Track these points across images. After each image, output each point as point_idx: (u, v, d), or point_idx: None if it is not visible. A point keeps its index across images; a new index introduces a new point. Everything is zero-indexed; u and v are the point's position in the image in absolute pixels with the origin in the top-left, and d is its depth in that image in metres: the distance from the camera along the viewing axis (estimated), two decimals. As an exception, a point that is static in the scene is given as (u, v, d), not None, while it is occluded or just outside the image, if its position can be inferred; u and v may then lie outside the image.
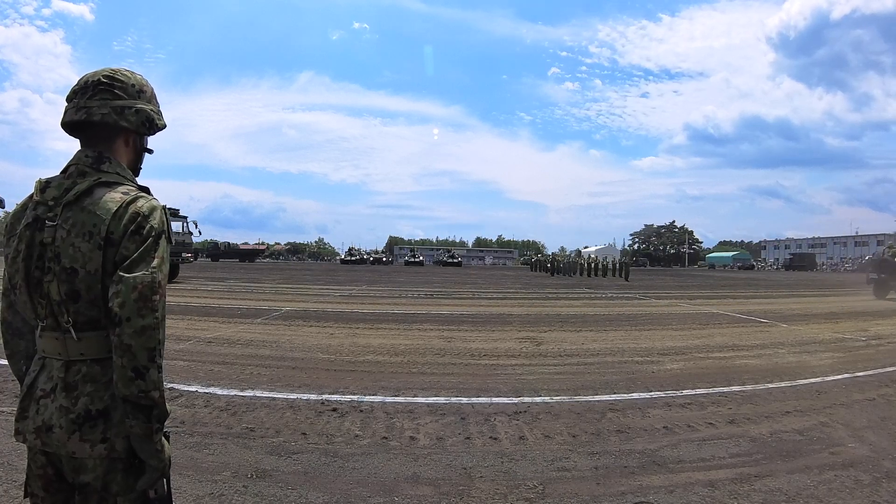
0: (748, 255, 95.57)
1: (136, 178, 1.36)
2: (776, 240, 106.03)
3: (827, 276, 45.48)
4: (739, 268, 72.61)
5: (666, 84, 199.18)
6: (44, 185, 1.22)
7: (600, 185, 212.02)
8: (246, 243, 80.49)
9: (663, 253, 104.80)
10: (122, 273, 1.13)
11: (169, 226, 1.26)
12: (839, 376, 5.44)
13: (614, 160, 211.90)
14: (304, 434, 3.48)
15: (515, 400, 4.40)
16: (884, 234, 79.84)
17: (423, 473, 2.94)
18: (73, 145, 1.30)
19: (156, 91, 1.37)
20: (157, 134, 1.38)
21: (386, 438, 3.45)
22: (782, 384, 5.09)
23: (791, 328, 9.30)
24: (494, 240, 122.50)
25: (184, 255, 20.58)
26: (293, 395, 4.36)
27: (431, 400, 4.36)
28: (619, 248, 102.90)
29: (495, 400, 4.39)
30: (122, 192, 1.22)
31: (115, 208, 1.18)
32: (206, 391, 4.40)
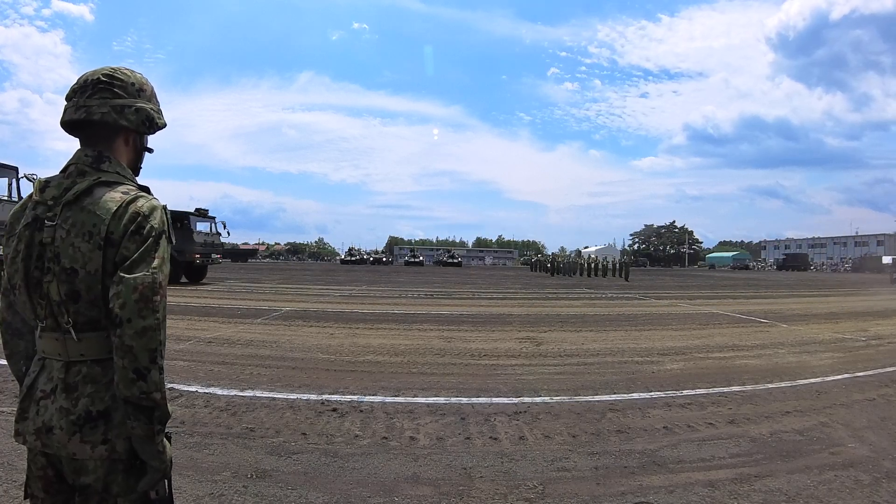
0: (748, 255, 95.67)
1: (137, 178, 1.35)
2: (776, 240, 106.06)
3: (827, 277, 45.50)
4: (734, 268, 74.33)
5: (665, 84, 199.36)
6: (43, 185, 1.21)
7: (600, 185, 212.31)
8: (246, 243, 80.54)
9: (663, 253, 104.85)
10: (122, 274, 1.12)
11: (169, 226, 1.25)
12: (839, 376, 5.44)
13: (614, 160, 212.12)
14: (304, 434, 3.47)
15: (515, 400, 4.40)
16: (884, 235, 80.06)
17: (423, 473, 2.94)
18: (73, 145, 1.30)
19: (156, 91, 1.37)
20: (157, 133, 1.37)
21: (386, 438, 3.45)
22: (782, 384, 5.08)
23: (791, 328, 9.30)
24: (494, 240, 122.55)
25: (213, 255, 20.30)
26: (293, 396, 4.36)
27: (431, 400, 4.36)
28: (619, 248, 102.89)
29: (495, 400, 4.39)
30: (122, 192, 1.21)
31: (115, 208, 1.17)
32: (206, 391, 4.40)
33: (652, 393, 4.70)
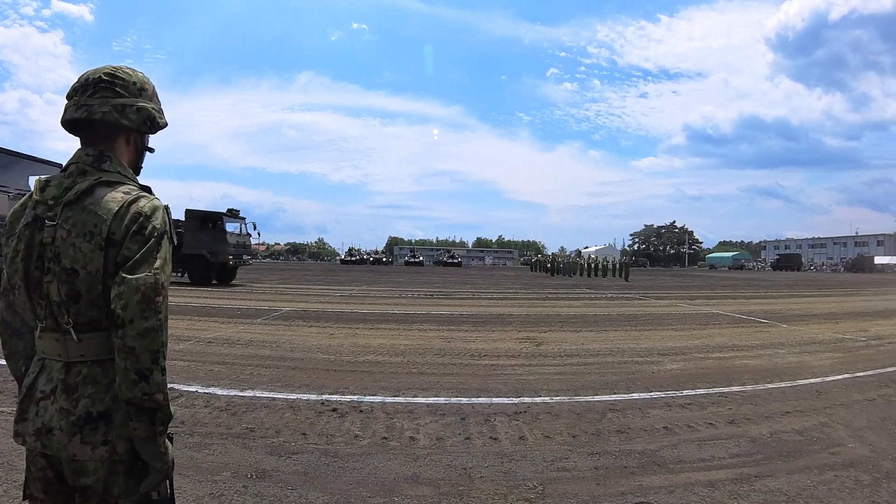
0: (748, 256, 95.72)
1: (138, 178, 1.35)
2: (776, 240, 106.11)
3: (822, 276, 45.48)
4: (730, 268, 76.26)
5: (665, 84, 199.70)
6: (43, 184, 1.21)
7: (600, 185, 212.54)
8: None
9: (663, 253, 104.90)
10: (124, 274, 1.12)
11: (171, 226, 1.24)
12: (839, 376, 5.44)
13: (614, 160, 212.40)
14: (304, 434, 3.47)
15: (515, 400, 4.40)
16: (884, 235, 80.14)
17: (423, 474, 2.94)
18: (73, 145, 1.29)
19: (156, 91, 1.36)
20: (158, 133, 1.37)
21: (386, 439, 3.45)
22: (782, 384, 5.08)
23: (791, 328, 9.30)
24: (494, 240, 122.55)
25: (244, 257, 19.98)
26: (293, 396, 4.36)
27: (431, 400, 4.35)
28: (619, 248, 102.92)
29: (495, 400, 4.39)
30: (124, 192, 1.21)
31: (117, 208, 1.17)
32: (206, 391, 4.40)
33: (652, 393, 4.70)
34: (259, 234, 21.29)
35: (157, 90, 1.36)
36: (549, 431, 3.65)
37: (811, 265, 78.19)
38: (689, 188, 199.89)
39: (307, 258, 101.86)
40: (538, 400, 4.42)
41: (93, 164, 1.23)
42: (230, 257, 18.16)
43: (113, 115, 1.23)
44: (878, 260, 67.32)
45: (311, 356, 6.05)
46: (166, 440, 1.18)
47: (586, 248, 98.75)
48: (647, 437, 3.58)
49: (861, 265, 64.10)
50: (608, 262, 37.56)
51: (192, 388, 4.46)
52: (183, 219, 18.20)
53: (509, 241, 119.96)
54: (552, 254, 54.17)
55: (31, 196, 1.23)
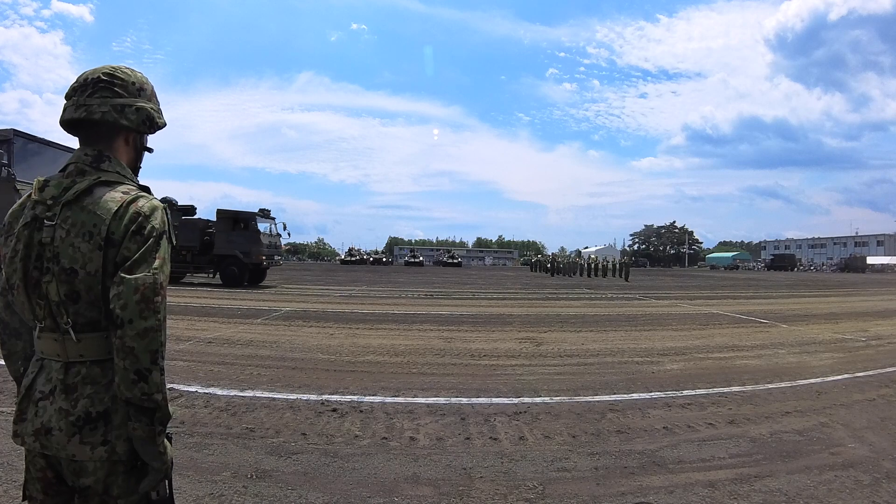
0: (748, 256, 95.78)
1: (137, 178, 1.34)
2: (776, 240, 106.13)
3: (824, 277, 45.46)
4: (726, 268, 78.16)
5: (664, 85, 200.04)
6: (42, 184, 1.20)
7: (599, 185, 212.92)
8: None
9: (663, 253, 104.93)
10: (123, 274, 1.12)
11: (170, 226, 1.24)
12: (839, 377, 5.44)
13: (613, 160, 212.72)
14: (304, 434, 3.47)
15: (515, 400, 4.40)
16: (884, 235, 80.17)
17: (423, 474, 2.93)
18: (72, 145, 1.29)
19: (155, 91, 1.36)
20: (157, 133, 1.37)
21: (386, 439, 3.45)
22: (782, 384, 5.08)
23: (791, 328, 9.30)
24: (494, 240, 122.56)
25: (276, 257, 19.66)
26: (293, 396, 4.36)
27: (431, 400, 4.35)
28: (619, 248, 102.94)
29: (495, 400, 4.38)
30: (123, 192, 1.20)
31: (116, 208, 1.17)
32: (206, 391, 4.40)
33: (652, 393, 4.70)
34: (289, 234, 20.96)
35: (155, 90, 1.35)
36: (549, 431, 3.65)
37: (804, 265, 79.84)
38: (688, 188, 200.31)
39: (307, 258, 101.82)
40: (538, 400, 4.42)
41: (92, 163, 1.23)
42: (263, 258, 17.89)
43: (112, 115, 1.23)
44: (871, 260, 67.88)
45: (311, 356, 6.05)
46: (165, 440, 1.18)
47: (586, 248, 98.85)
48: (647, 437, 3.58)
49: (853, 265, 64.73)
50: (608, 262, 37.55)
51: (192, 388, 4.46)
52: (214, 219, 17.94)
53: (509, 241, 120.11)
54: (552, 254, 54.09)
55: (29, 196, 1.22)
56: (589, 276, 34.79)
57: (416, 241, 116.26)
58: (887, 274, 53.24)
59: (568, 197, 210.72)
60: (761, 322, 10.14)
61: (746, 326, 9.51)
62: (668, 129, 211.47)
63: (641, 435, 3.61)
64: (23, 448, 1.22)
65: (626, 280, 29.52)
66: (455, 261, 65.18)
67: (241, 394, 4.37)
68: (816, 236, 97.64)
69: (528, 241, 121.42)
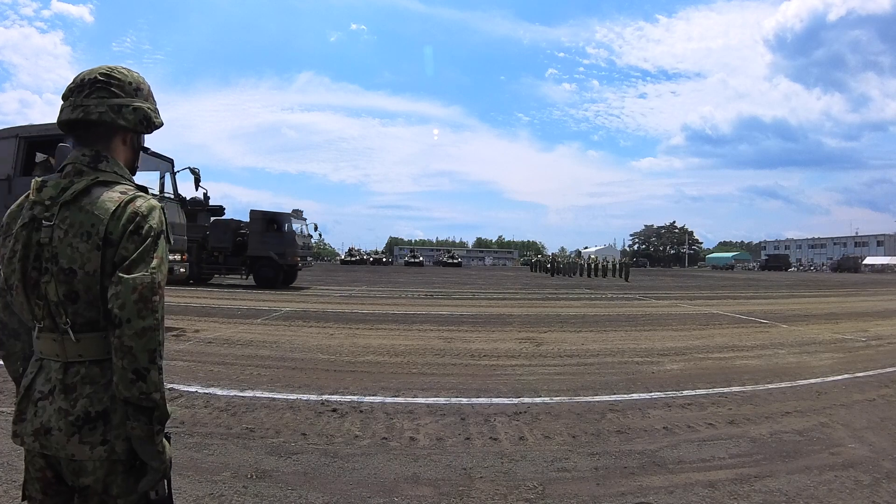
0: (748, 256, 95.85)
1: (134, 177, 1.35)
2: (776, 240, 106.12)
3: (819, 277, 45.45)
4: (721, 268, 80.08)
5: (664, 85, 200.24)
6: (40, 185, 1.20)
7: (599, 185, 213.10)
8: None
9: (663, 253, 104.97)
10: (121, 274, 1.12)
11: (168, 225, 1.24)
12: (839, 377, 5.44)
13: (613, 161, 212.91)
14: (304, 434, 3.47)
15: (515, 400, 4.40)
16: (884, 235, 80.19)
17: (423, 474, 2.93)
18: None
19: (155, 92, 1.36)
20: (157, 133, 1.37)
21: (386, 439, 3.45)
22: (782, 385, 5.08)
23: (791, 329, 9.30)
24: (494, 240, 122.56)
25: (308, 258, 19.41)
26: (293, 396, 4.36)
27: (431, 400, 4.35)
28: (619, 248, 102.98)
29: (495, 400, 4.38)
30: (121, 192, 1.20)
31: (114, 208, 1.17)
32: (206, 391, 4.40)
33: (652, 393, 4.69)
34: (320, 234, 20.84)
35: (154, 92, 1.35)
36: (549, 432, 3.65)
37: (803, 265, 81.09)
38: (688, 188, 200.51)
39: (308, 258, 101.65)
40: (538, 400, 4.42)
41: (89, 164, 1.23)
42: (298, 259, 17.75)
43: (109, 115, 1.23)
44: (870, 260, 68.31)
45: (311, 356, 6.05)
46: (164, 439, 1.18)
47: (586, 248, 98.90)
48: (647, 437, 3.58)
49: (846, 265, 65.21)
50: (608, 262, 37.55)
51: (192, 389, 4.46)
52: (247, 220, 17.78)
53: (509, 241, 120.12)
54: (552, 254, 54.11)
55: (27, 196, 1.23)
56: (589, 276, 34.78)
57: (416, 241, 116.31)
58: (887, 274, 53.35)
59: (568, 197, 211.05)
60: (761, 322, 10.14)
61: (746, 326, 9.51)
62: (667, 130, 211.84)
63: (641, 435, 3.61)
64: (22, 448, 1.22)
65: (626, 280, 29.52)
66: (455, 261, 65.18)
67: (241, 394, 4.37)
68: (816, 236, 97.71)
69: (528, 241, 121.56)
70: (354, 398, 4.35)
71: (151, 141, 1.40)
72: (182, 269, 8.02)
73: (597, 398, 4.51)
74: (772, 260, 76.08)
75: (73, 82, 1.25)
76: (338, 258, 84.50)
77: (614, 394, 4.66)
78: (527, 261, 74.10)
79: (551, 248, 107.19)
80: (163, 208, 1.24)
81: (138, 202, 1.20)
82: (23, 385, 1.23)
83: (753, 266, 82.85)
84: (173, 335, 7.03)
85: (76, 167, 1.23)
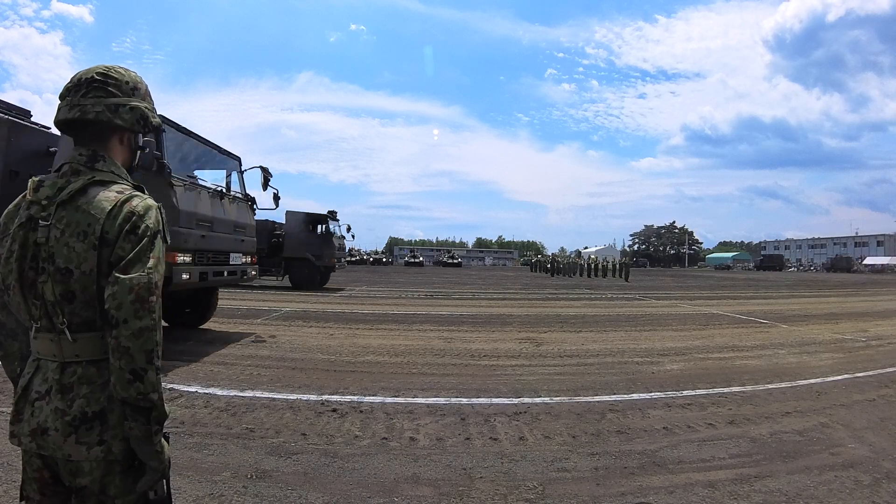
0: (748, 256, 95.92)
1: (131, 177, 1.34)
2: (776, 240, 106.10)
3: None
4: (717, 268, 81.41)
5: (663, 85, 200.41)
6: (37, 184, 1.20)
7: (599, 185, 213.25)
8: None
9: (663, 253, 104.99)
10: (117, 274, 1.12)
11: (165, 225, 1.24)
12: (839, 377, 5.43)
13: (613, 161, 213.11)
14: (304, 434, 3.47)
15: (515, 400, 4.39)
16: (884, 235, 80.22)
17: (423, 474, 2.93)
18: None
19: (155, 92, 1.36)
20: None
21: (386, 439, 3.44)
22: (782, 385, 5.08)
23: (791, 329, 9.30)
24: (494, 240, 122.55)
25: (342, 260, 19.17)
26: (293, 396, 4.36)
27: (431, 400, 4.35)
28: (619, 248, 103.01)
29: (495, 400, 4.38)
30: (117, 192, 1.20)
31: (110, 207, 1.17)
32: (206, 392, 4.40)
33: (652, 393, 4.69)
34: (353, 236, 20.69)
35: (153, 92, 1.35)
36: (549, 432, 3.65)
37: (803, 265, 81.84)
38: (688, 188, 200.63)
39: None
40: (538, 400, 4.41)
41: (86, 163, 1.23)
42: (336, 261, 17.65)
43: (106, 114, 1.23)
44: (869, 260, 68.59)
45: (311, 356, 6.05)
46: (162, 439, 1.17)
47: (586, 248, 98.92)
48: (647, 437, 3.57)
49: (839, 265, 65.64)
50: (608, 262, 37.56)
51: (192, 389, 4.45)
52: (283, 221, 17.56)
53: (509, 241, 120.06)
54: (552, 254, 54.09)
55: (24, 196, 1.22)
56: (589, 276, 34.78)
57: (416, 241, 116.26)
58: (887, 274, 53.40)
59: (568, 197, 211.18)
60: (761, 322, 10.14)
61: (746, 327, 9.50)
62: (667, 130, 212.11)
63: (641, 435, 3.61)
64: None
65: (626, 280, 29.52)
66: (455, 261, 65.14)
67: (241, 394, 4.37)
68: (816, 236, 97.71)
69: (528, 241, 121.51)
70: (354, 398, 4.35)
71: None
72: (253, 272, 7.81)
73: (597, 398, 4.51)
74: (766, 260, 76.81)
75: (70, 82, 1.25)
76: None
77: (614, 394, 4.66)
78: (527, 261, 74.12)
79: (551, 249, 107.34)
80: (159, 208, 1.24)
81: (134, 202, 1.20)
82: (20, 385, 1.23)
83: (753, 266, 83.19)
84: (173, 335, 7.03)
85: (73, 167, 1.23)
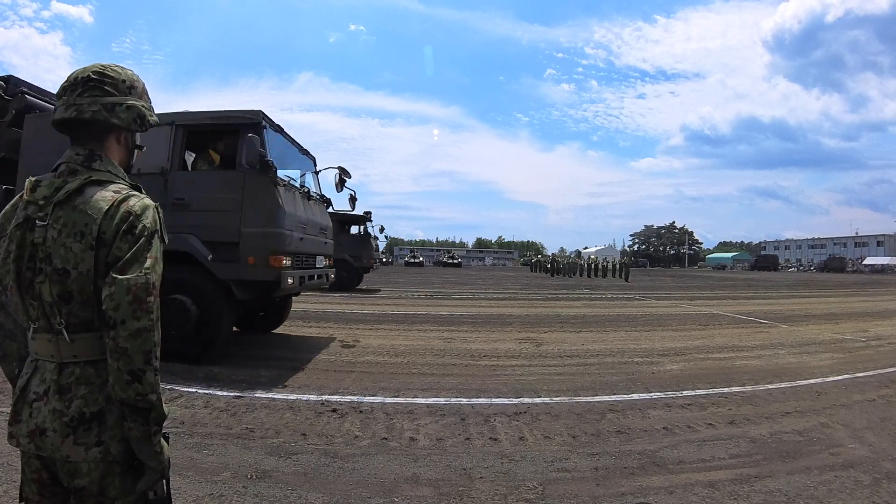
0: (748, 256, 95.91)
1: (129, 176, 1.34)
2: (776, 240, 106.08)
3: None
4: (714, 268, 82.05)
5: (662, 85, 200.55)
6: (34, 185, 1.20)
7: (599, 185, 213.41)
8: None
9: (663, 254, 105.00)
10: (115, 275, 1.11)
11: (162, 225, 1.23)
12: (839, 377, 5.43)
13: (613, 161, 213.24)
14: (304, 435, 3.47)
15: (515, 400, 4.39)
16: (884, 235, 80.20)
17: (423, 474, 2.93)
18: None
19: (155, 92, 1.35)
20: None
21: (386, 439, 3.44)
22: (782, 385, 5.08)
23: (791, 329, 9.30)
24: (494, 240, 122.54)
25: (377, 260, 18.96)
26: (293, 396, 4.36)
27: (431, 400, 4.35)
28: (619, 248, 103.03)
29: (495, 401, 4.38)
30: (114, 191, 1.20)
31: (107, 207, 1.16)
32: (206, 392, 4.39)
33: (652, 393, 4.69)
34: (387, 237, 20.53)
35: (151, 92, 1.35)
36: (549, 432, 3.65)
37: (801, 265, 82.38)
38: (688, 189, 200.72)
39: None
40: (538, 400, 4.41)
41: (83, 163, 1.23)
42: (373, 262, 17.46)
43: (102, 113, 1.22)
44: (869, 260, 68.83)
45: (311, 356, 6.04)
46: (162, 439, 1.17)
47: (586, 248, 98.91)
48: (647, 437, 3.57)
49: (832, 265, 65.96)
50: (608, 262, 37.55)
51: (192, 389, 4.45)
52: None
53: (509, 241, 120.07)
54: (552, 254, 54.10)
55: (21, 196, 1.22)
56: (589, 276, 34.78)
57: (416, 241, 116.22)
58: (887, 274, 53.42)
59: (568, 197, 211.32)
60: (761, 322, 10.14)
61: (746, 327, 9.50)
62: (666, 130, 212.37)
63: (641, 435, 3.61)
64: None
65: (626, 280, 29.52)
66: (455, 261, 65.10)
67: (241, 394, 4.37)
68: (816, 236, 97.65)
69: (528, 241, 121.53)
70: (354, 398, 4.35)
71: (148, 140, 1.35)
72: (332, 276, 7.21)
73: (597, 398, 4.50)
74: (761, 260, 77.20)
75: (66, 81, 1.24)
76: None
77: (614, 394, 4.66)
78: (527, 261, 74.10)
79: (551, 249, 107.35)
80: (157, 208, 1.24)
81: (132, 201, 1.19)
82: (18, 386, 1.22)
83: (745, 266, 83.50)
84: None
85: (70, 166, 1.22)
